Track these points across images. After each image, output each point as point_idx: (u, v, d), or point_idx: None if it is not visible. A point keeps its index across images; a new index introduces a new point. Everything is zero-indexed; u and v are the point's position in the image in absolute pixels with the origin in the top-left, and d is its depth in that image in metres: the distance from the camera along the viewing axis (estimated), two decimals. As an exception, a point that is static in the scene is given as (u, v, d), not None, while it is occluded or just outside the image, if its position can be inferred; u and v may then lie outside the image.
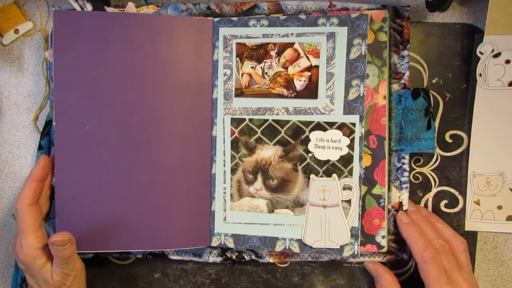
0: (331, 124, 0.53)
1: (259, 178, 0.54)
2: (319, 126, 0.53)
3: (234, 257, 0.56)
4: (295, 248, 0.54)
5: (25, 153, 0.59)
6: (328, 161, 0.53)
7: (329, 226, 0.53)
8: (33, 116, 0.59)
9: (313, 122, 0.53)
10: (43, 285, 0.51)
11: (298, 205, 0.54)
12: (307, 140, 0.54)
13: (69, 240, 0.50)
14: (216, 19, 0.55)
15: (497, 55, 0.54)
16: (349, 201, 0.53)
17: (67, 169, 0.53)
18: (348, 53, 0.53)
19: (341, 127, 0.53)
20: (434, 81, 0.56)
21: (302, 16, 0.54)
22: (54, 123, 0.53)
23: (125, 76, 0.53)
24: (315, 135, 0.53)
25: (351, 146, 0.53)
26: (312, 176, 0.54)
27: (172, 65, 0.54)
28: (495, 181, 0.55)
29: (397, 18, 0.54)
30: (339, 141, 0.53)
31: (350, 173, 0.53)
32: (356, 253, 0.53)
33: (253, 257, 0.56)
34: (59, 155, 0.53)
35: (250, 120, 0.54)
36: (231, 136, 0.55)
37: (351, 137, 0.53)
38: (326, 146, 0.53)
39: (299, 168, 0.54)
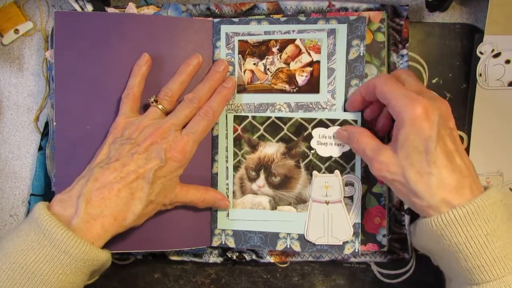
0: (333, 121, 0.53)
1: (262, 175, 0.54)
2: (322, 123, 0.54)
3: (234, 257, 0.56)
4: (296, 247, 0.54)
5: (25, 153, 0.59)
6: (330, 157, 0.54)
7: (332, 222, 0.53)
8: (34, 116, 0.59)
9: (315, 119, 0.54)
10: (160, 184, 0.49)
11: (300, 201, 0.54)
12: (309, 137, 0.54)
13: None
14: (216, 20, 0.55)
15: (497, 55, 0.54)
16: (351, 197, 0.53)
17: (67, 169, 0.53)
18: (347, 53, 0.53)
19: (344, 124, 0.53)
20: (434, 81, 0.56)
21: (302, 18, 0.54)
22: (54, 123, 0.53)
23: (126, 76, 0.53)
24: (317, 132, 0.54)
25: None
26: (314, 172, 0.54)
27: (172, 65, 0.54)
28: (495, 181, 0.56)
29: (396, 17, 0.54)
30: None
31: (352, 169, 0.53)
32: (357, 251, 0.53)
33: (254, 257, 0.56)
34: (59, 154, 0.53)
35: (253, 117, 0.54)
36: (234, 133, 0.55)
37: None
38: (329, 142, 0.54)
39: (302, 165, 0.54)
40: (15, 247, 0.43)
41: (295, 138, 0.54)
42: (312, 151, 0.54)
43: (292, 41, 0.54)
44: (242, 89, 0.55)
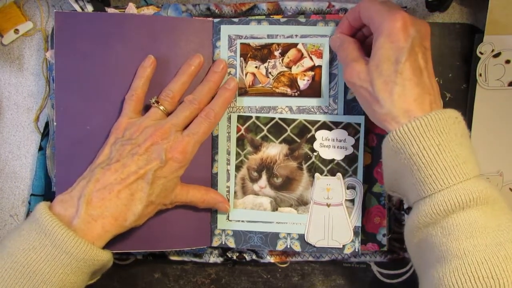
0: (336, 124, 0.53)
1: (264, 176, 0.54)
2: (325, 126, 0.54)
3: (234, 257, 0.56)
4: (296, 247, 0.54)
5: (25, 153, 0.59)
6: (333, 160, 0.54)
7: (332, 225, 0.53)
8: (34, 116, 0.59)
9: (319, 121, 0.54)
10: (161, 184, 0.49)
11: (302, 203, 0.54)
12: (312, 139, 0.54)
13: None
14: (216, 20, 0.55)
15: (497, 55, 0.54)
16: (352, 201, 0.53)
17: (68, 169, 0.53)
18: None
19: (347, 126, 0.53)
20: (434, 81, 0.56)
21: (302, 19, 0.54)
22: (54, 123, 0.53)
23: (126, 76, 0.53)
24: (320, 134, 0.54)
25: (356, 146, 0.53)
26: (316, 175, 0.54)
27: (173, 65, 0.54)
28: (495, 181, 0.56)
29: (397, 18, 0.54)
30: (344, 140, 0.53)
31: (355, 172, 0.53)
32: (357, 250, 0.53)
33: (254, 257, 0.56)
34: (59, 155, 0.53)
35: (257, 118, 0.54)
36: (237, 133, 0.55)
37: (356, 137, 0.53)
38: (331, 145, 0.54)
39: (304, 166, 0.54)
40: (17, 247, 0.44)
41: (298, 140, 0.54)
42: (315, 153, 0.54)
43: (294, 45, 0.54)
44: (243, 92, 0.55)
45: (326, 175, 0.54)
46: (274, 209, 0.54)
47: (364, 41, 0.52)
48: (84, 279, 0.46)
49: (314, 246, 0.54)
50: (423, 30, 0.45)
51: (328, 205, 0.53)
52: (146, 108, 0.53)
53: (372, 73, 0.45)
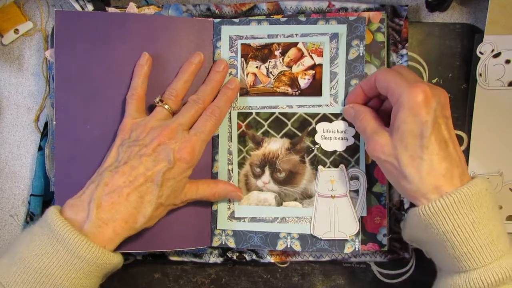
0: (336, 115, 0.53)
1: (267, 171, 0.54)
2: (325, 118, 0.54)
3: (234, 257, 0.56)
4: (297, 247, 0.54)
5: (25, 153, 0.59)
6: (335, 151, 0.54)
7: (338, 216, 0.53)
8: (34, 116, 0.59)
9: (319, 113, 0.54)
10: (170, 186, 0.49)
11: (306, 197, 0.54)
12: (313, 131, 0.54)
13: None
14: (216, 20, 0.55)
15: (497, 55, 0.54)
16: (356, 191, 0.53)
17: (67, 168, 0.53)
18: (347, 53, 0.53)
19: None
20: (434, 81, 0.56)
21: (302, 18, 0.54)
22: (54, 122, 0.53)
23: (126, 76, 0.53)
24: (321, 127, 0.54)
25: (357, 136, 0.53)
26: (320, 167, 0.54)
27: (173, 65, 0.54)
28: (495, 181, 0.56)
29: (396, 17, 0.55)
30: (345, 131, 0.53)
31: (357, 162, 0.53)
32: (357, 249, 0.53)
33: (254, 257, 0.56)
34: (59, 154, 0.53)
35: (257, 113, 0.55)
36: (238, 130, 0.55)
37: None
38: (333, 137, 0.54)
39: (307, 159, 0.54)
40: (29, 252, 0.44)
41: (299, 133, 0.54)
42: (317, 146, 0.54)
43: (295, 44, 0.54)
44: (244, 92, 0.55)
45: (329, 167, 0.54)
46: (279, 204, 0.54)
47: (378, 108, 0.51)
48: (96, 282, 0.46)
49: (318, 240, 0.53)
50: (443, 99, 0.45)
51: (333, 197, 0.53)
52: (150, 109, 0.53)
53: (397, 148, 0.44)
